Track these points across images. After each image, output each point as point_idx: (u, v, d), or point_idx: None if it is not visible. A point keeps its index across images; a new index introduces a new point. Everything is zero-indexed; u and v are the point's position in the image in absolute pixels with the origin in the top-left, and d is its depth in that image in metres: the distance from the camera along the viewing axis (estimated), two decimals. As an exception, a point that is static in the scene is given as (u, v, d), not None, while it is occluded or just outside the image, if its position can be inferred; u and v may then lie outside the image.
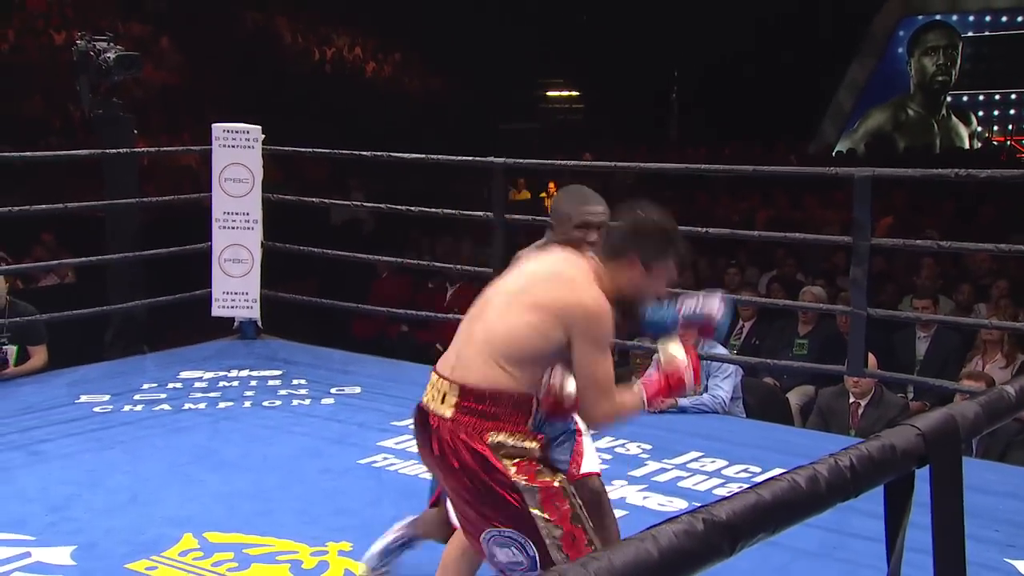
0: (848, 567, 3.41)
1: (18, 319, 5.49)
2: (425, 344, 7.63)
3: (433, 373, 2.51)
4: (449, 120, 15.01)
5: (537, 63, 18.28)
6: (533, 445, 2.46)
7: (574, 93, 20.60)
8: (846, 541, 3.50)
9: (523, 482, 2.40)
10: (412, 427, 2.58)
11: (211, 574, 3.36)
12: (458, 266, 6.87)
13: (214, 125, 6.00)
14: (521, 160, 5.98)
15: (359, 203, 7.83)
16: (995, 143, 16.68)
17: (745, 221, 10.38)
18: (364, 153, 6.12)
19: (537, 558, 2.40)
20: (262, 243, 6.05)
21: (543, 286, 2.49)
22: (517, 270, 2.64)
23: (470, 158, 5.81)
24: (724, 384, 5.18)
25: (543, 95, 20.36)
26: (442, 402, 2.43)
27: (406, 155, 6.12)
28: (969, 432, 1.17)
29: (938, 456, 1.12)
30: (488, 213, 5.67)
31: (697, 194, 11.95)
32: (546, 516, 2.41)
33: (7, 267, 6.49)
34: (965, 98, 17.20)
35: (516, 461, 2.42)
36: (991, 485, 4.05)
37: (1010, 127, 16.93)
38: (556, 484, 2.45)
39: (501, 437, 2.42)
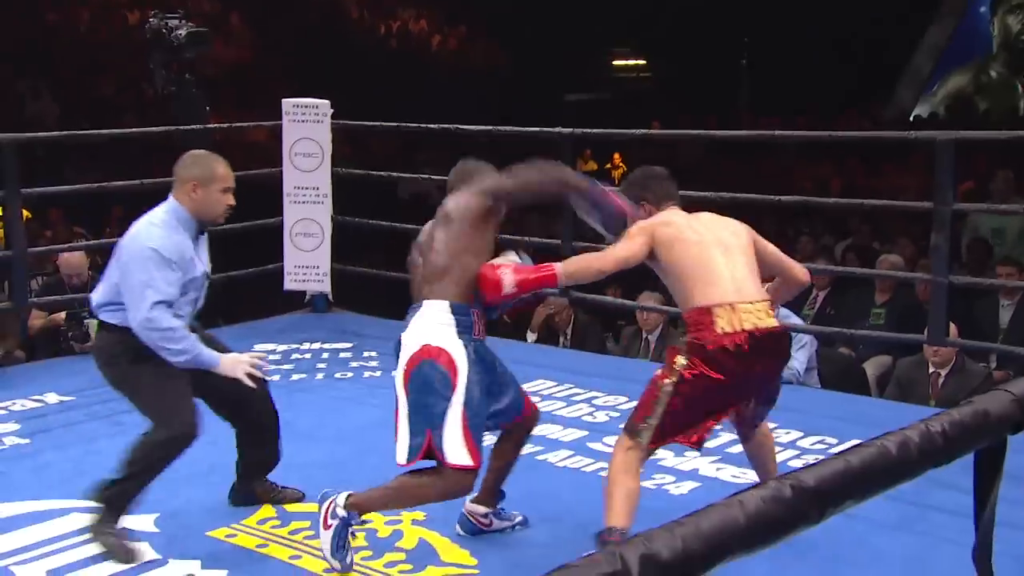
0: (929, 540, 3.36)
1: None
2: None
3: (738, 305, 3.07)
4: (515, 92, 14.95)
5: (603, 31, 18.11)
6: None
7: (641, 62, 20.37)
8: (926, 513, 3.45)
9: None
10: (740, 360, 3.02)
11: (288, 541, 3.43)
12: (527, 237, 6.84)
13: (284, 100, 6.06)
14: (588, 130, 5.92)
15: (426, 176, 7.83)
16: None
17: (820, 188, 10.21)
18: (431, 126, 6.14)
19: None
20: (332, 217, 6.10)
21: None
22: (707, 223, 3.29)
23: (536, 129, 5.79)
24: (799, 355, 5.12)
25: (610, 64, 20.17)
26: (766, 316, 3.11)
27: (472, 127, 6.12)
28: (1065, 397, 1.13)
29: (1032, 422, 1.08)
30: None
31: (768, 162, 11.77)
32: None
33: (89, 242, 6.64)
34: (1052, 59, 16.66)
35: None
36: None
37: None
38: None
39: None
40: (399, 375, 3.12)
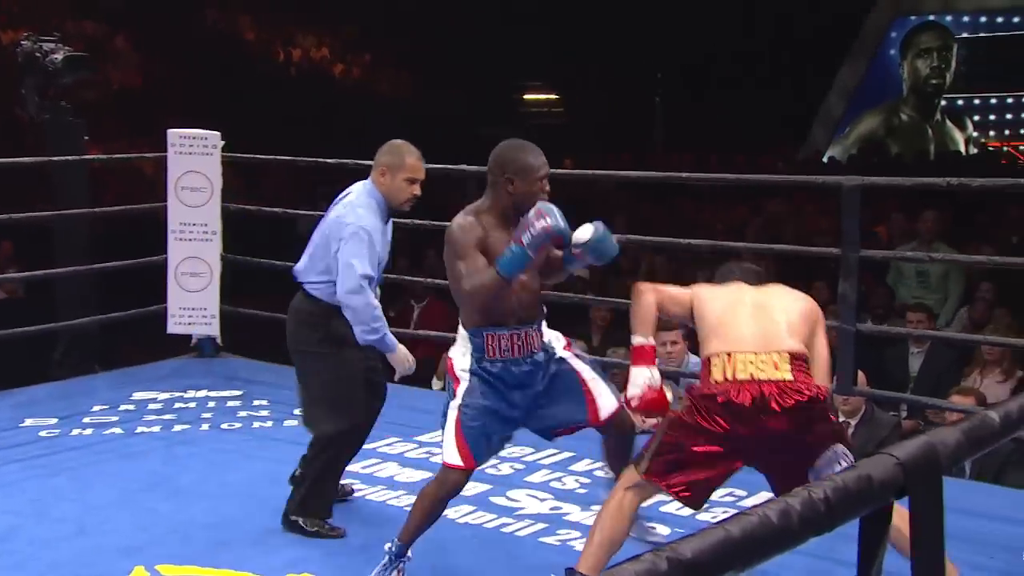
0: None
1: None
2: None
3: (736, 353, 3.01)
4: (423, 124, 14.97)
5: (515, 64, 18.26)
6: None
7: (553, 96, 20.58)
8: (833, 569, 3.50)
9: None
10: (732, 414, 2.96)
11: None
12: (424, 279, 6.80)
13: (169, 131, 5.93)
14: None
15: (319, 212, 7.76)
16: (991, 148, 16.77)
17: (735, 230, 10.38)
18: (328, 160, 6.05)
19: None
20: (222, 256, 5.99)
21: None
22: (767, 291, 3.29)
23: (442, 166, 5.77)
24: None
25: (521, 98, 20.33)
26: (775, 369, 2.96)
27: (368, 162, 6.05)
28: (951, 460, 1.17)
29: (918, 487, 1.12)
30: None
31: (682, 201, 11.97)
32: None
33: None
34: (960, 102, 17.27)
35: None
36: (986, 508, 4.06)
37: (1007, 132, 17.00)
38: None
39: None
40: None
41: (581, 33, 17.53)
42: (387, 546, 3.38)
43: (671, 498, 3.26)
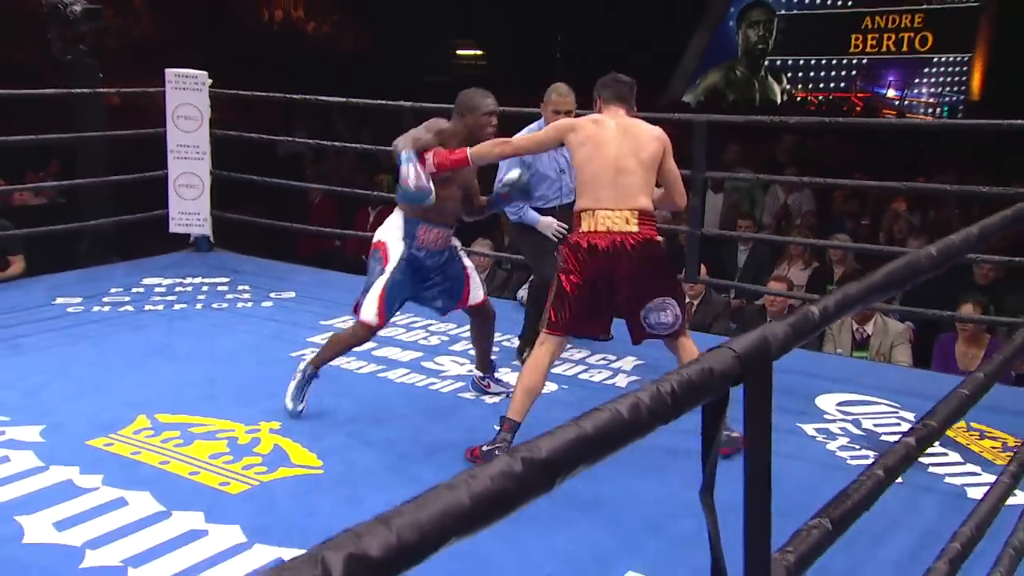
0: (662, 476, 2.98)
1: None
2: (354, 257, 7.31)
3: (598, 211, 2.94)
4: (379, 73, 14.34)
5: (450, 26, 17.61)
6: None
7: (479, 52, 19.94)
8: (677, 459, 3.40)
9: None
10: (587, 258, 2.94)
11: (159, 449, 3.11)
12: (376, 192, 6.53)
13: (166, 70, 5.50)
14: (428, 104, 5.61)
15: (292, 138, 7.36)
16: (799, 98, 16.83)
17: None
18: (296, 97, 5.69)
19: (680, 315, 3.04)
20: (211, 171, 5.62)
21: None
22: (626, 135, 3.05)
23: (384, 102, 5.45)
24: None
25: (455, 53, 19.65)
26: (626, 223, 2.92)
27: (335, 99, 5.72)
28: (780, 351, 1.00)
29: (752, 375, 0.94)
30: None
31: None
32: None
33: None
34: (779, 62, 17.22)
35: None
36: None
37: (810, 85, 17.05)
38: None
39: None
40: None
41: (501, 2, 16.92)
42: (301, 366, 3.38)
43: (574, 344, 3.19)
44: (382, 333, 4.41)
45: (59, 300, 4.81)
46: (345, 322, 4.64)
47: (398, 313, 4.71)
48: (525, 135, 3.52)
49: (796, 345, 1.09)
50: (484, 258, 5.81)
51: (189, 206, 5.56)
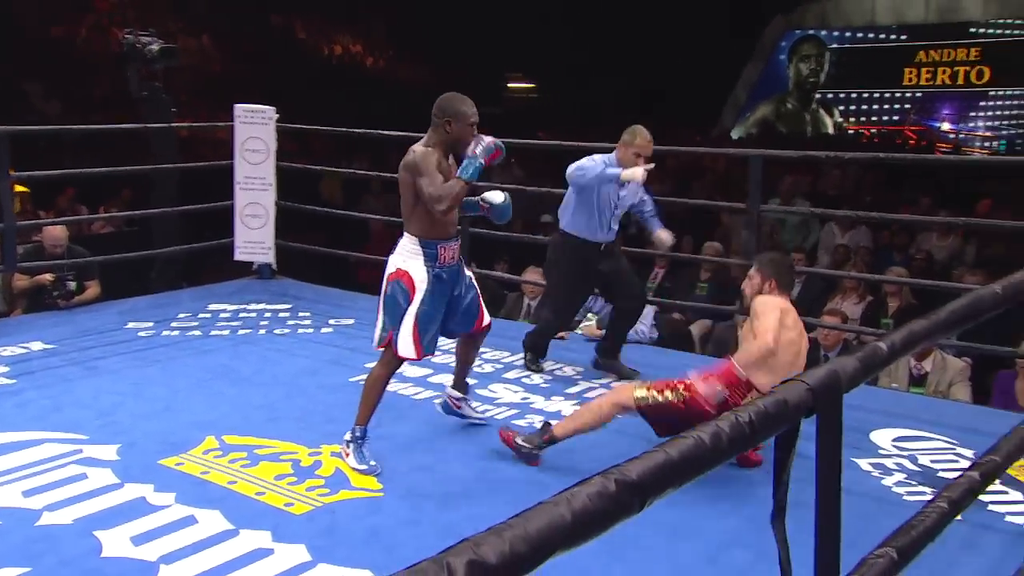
0: (715, 507, 3.05)
1: (77, 259, 5.27)
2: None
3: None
4: (430, 106, 14.60)
5: (502, 59, 17.84)
6: None
7: (531, 84, 20.13)
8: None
9: None
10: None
11: (227, 469, 3.21)
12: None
13: (235, 105, 5.71)
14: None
15: (352, 171, 7.54)
16: (850, 131, 16.71)
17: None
18: (355, 131, 5.86)
19: None
20: (276, 202, 5.80)
21: None
22: None
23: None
24: (645, 320, 5.06)
25: (506, 85, 19.88)
26: None
27: (392, 132, 5.84)
28: (850, 384, 1.03)
29: (824, 407, 0.98)
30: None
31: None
32: None
33: (63, 218, 6.21)
34: (830, 95, 17.12)
35: None
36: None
37: (862, 118, 16.92)
38: None
39: None
40: (383, 287, 3.25)
41: (552, 36, 17.10)
42: (347, 437, 3.23)
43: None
44: (438, 360, 4.50)
45: (131, 324, 4.98)
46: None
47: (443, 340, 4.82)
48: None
49: (865, 379, 1.12)
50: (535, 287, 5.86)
51: (254, 235, 5.73)
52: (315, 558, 2.62)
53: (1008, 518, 3.01)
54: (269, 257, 5.86)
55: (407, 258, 3.19)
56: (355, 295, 6.00)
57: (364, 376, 4.19)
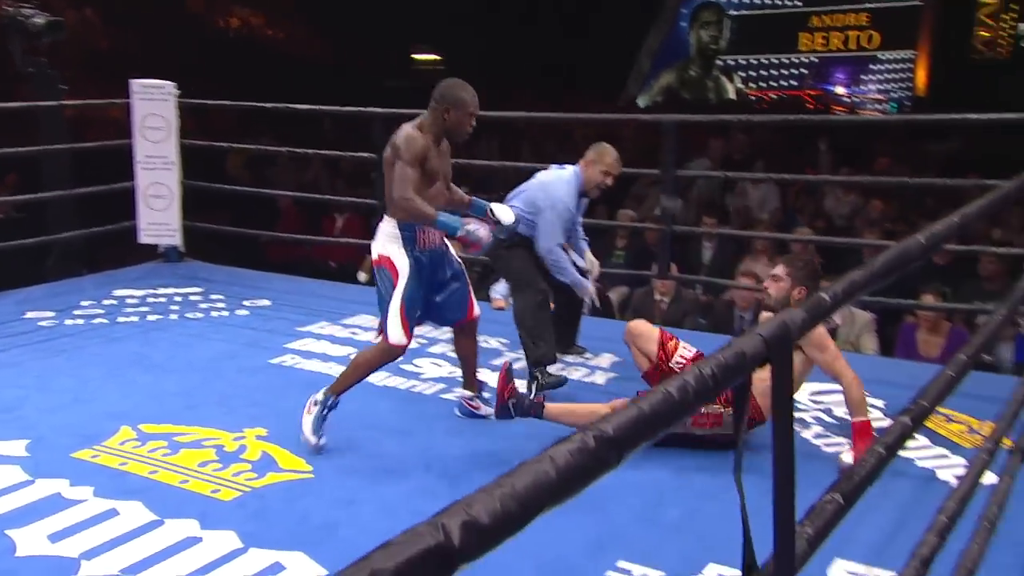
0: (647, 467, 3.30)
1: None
2: (323, 263, 7.29)
3: None
4: (338, 79, 14.26)
5: (407, 30, 17.56)
6: None
7: (438, 56, 19.91)
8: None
9: None
10: None
11: (147, 459, 3.09)
12: (347, 198, 6.53)
13: (131, 81, 5.44)
14: (396, 110, 5.64)
15: (261, 147, 7.32)
16: (751, 96, 17.13)
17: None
18: (265, 105, 5.65)
19: None
20: (180, 181, 5.58)
21: None
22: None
23: (355, 109, 5.47)
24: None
25: (412, 58, 19.60)
26: None
27: (300, 106, 5.70)
28: (798, 333, 1.06)
29: (777, 356, 1.00)
30: (372, 154, 5.37)
31: (521, 143, 11.77)
32: None
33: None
34: (731, 61, 17.48)
35: None
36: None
37: (761, 84, 17.36)
38: None
39: None
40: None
41: (458, 7, 16.93)
42: (318, 396, 3.14)
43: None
44: (361, 338, 4.45)
45: (30, 314, 4.73)
46: (321, 327, 4.65)
47: (374, 319, 4.78)
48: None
49: (812, 327, 1.15)
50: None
51: (159, 217, 5.50)
52: (246, 544, 2.55)
53: (918, 463, 3.17)
54: (176, 239, 5.65)
55: (386, 243, 3.11)
56: (269, 275, 5.85)
57: (284, 357, 4.15)
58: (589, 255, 4.10)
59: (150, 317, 4.76)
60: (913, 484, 3.01)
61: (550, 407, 3.18)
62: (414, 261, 3.10)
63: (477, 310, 3.36)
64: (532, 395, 3.48)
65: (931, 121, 6.04)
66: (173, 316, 4.79)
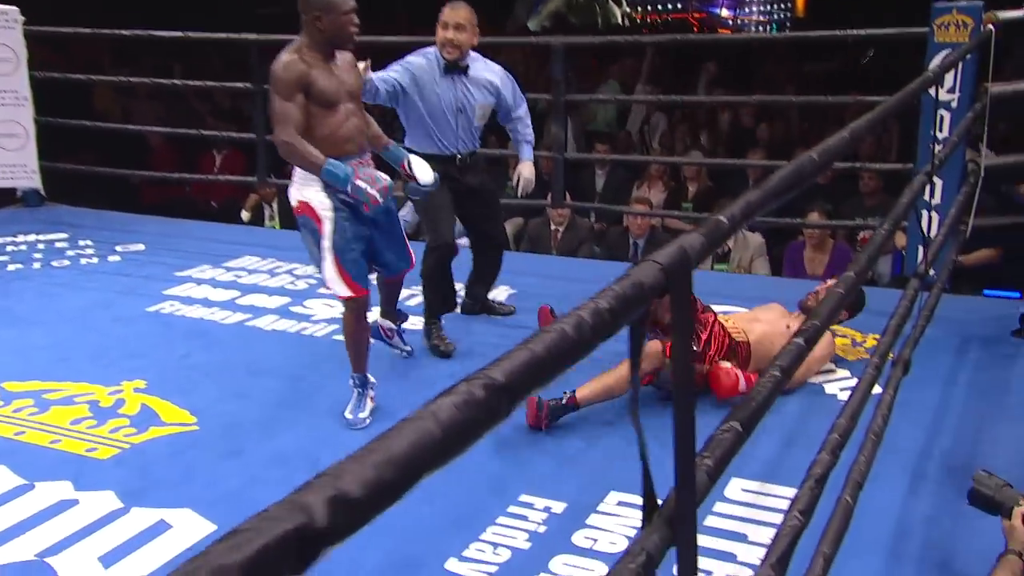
0: None
1: None
2: (204, 203, 6.93)
3: None
4: (213, 4, 13.40)
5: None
6: None
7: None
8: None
9: None
10: None
11: (13, 419, 2.88)
12: (225, 133, 6.18)
13: (-30, 7, 4.93)
14: (272, 36, 5.31)
15: (126, 79, 6.81)
16: (638, 20, 17.20)
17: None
18: (124, 32, 5.22)
19: None
20: (36, 119, 5.14)
21: None
22: None
23: (227, 35, 5.12)
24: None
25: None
26: None
27: (168, 33, 5.29)
28: (698, 258, 1.01)
29: (676, 286, 0.95)
30: (247, 84, 5.07)
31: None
32: None
33: None
34: (619, -14, 17.45)
35: None
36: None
37: (648, 7, 17.43)
38: None
39: None
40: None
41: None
42: (350, 382, 2.89)
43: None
44: (246, 281, 4.25)
45: None
46: (202, 271, 4.42)
47: (269, 260, 4.53)
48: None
49: (710, 253, 1.11)
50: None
51: (12, 157, 5.06)
52: (127, 504, 2.42)
53: (826, 388, 3.22)
54: (35, 182, 5.23)
55: (302, 186, 2.71)
56: (143, 218, 5.52)
57: (163, 304, 3.92)
58: (524, 166, 3.64)
59: (11, 267, 4.41)
60: (801, 398, 3.09)
61: (581, 392, 2.85)
62: (340, 204, 2.71)
63: (413, 257, 3.05)
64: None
65: (815, 38, 6.14)
66: (36, 265, 4.46)
